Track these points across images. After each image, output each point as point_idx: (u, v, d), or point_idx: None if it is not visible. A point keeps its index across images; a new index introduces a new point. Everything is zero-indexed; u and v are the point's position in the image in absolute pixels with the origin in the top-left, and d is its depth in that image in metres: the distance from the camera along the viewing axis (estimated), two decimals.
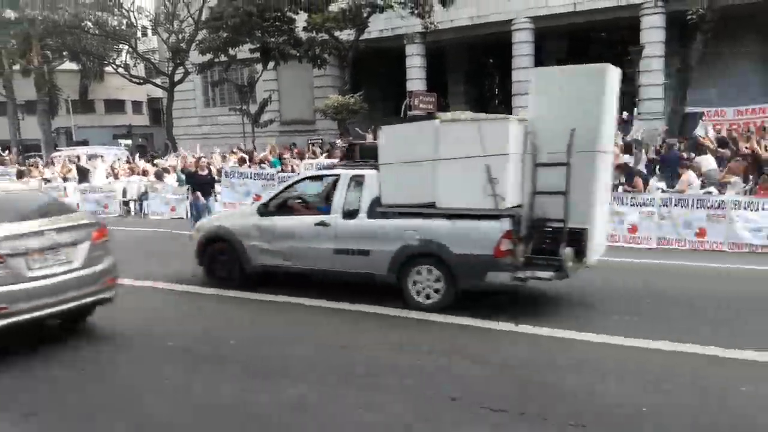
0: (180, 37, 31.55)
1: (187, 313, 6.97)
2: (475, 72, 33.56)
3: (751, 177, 11.30)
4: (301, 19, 25.10)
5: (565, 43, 29.98)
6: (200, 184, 12.85)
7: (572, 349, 5.42)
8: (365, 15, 23.55)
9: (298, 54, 25.66)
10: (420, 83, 28.16)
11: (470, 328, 6.01)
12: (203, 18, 28.47)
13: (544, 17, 25.28)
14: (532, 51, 26.36)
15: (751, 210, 9.77)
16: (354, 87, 26.15)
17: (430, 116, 8.66)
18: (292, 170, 15.02)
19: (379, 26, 26.02)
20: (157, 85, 35.45)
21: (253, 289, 7.62)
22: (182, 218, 15.73)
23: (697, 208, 10.09)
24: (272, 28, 25.07)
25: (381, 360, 5.21)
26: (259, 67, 27.77)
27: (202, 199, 12.54)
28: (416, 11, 23.11)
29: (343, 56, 25.33)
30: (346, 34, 24.80)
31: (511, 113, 25.94)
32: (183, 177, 16.79)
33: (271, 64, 26.97)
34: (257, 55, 26.14)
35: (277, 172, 15.03)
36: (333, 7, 24.22)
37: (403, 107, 25.32)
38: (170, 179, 17.29)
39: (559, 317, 6.27)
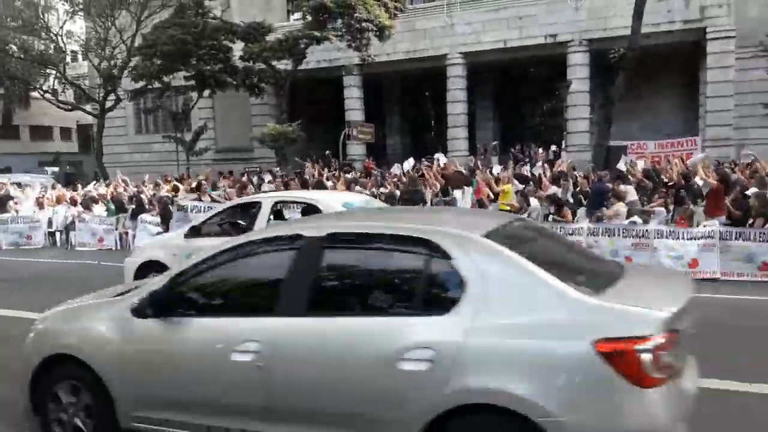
0: (112, 63, 30.81)
1: None
2: (411, 103, 34.28)
3: (672, 207, 11.95)
4: (238, 47, 25.03)
5: (499, 77, 31.14)
6: None
7: None
8: (302, 46, 23.72)
9: (234, 82, 25.52)
10: (358, 113, 28.48)
11: None
12: (136, 44, 27.94)
13: (476, 53, 26.18)
14: (465, 85, 27.21)
15: (673, 239, 10.31)
16: (292, 116, 26.16)
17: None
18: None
19: (317, 57, 26.25)
20: (87, 112, 34.35)
21: None
22: (111, 249, 15.21)
23: (624, 237, 10.56)
24: (208, 56, 24.87)
25: None
26: (194, 94, 27.41)
27: None
28: (353, 44, 23.47)
29: (281, 85, 25.36)
30: (284, 64, 24.88)
31: (446, 145, 26.64)
32: (113, 207, 16.26)
33: (206, 92, 26.68)
34: (192, 82, 25.83)
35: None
36: (270, 37, 24.30)
37: (342, 136, 25.54)
38: (98, 209, 16.69)
39: None
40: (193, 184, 17.13)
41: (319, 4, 21.98)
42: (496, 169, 17.21)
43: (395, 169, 20.24)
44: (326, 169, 18.04)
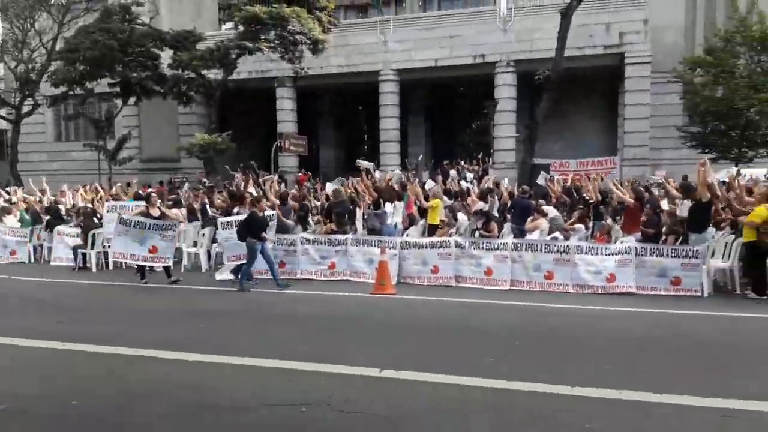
0: (30, 66, 29.30)
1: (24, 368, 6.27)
2: (345, 117, 34.37)
3: (591, 224, 12.46)
4: (166, 55, 24.40)
5: (431, 94, 31.75)
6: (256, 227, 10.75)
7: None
8: (234, 56, 23.39)
9: (162, 90, 24.83)
10: (291, 125, 28.30)
11: None
12: (57, 48, 26.74)
13: (408, 70, 26.60)
14: (398, 101, 27.58)
15: (592, 254, 10.72)
16: (222, 126, 25.69)
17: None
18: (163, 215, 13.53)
19: (249, 67, 25.95)
20: (1, 117, 32.47)
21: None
22: (24, 263, 14.37)
23: (546, 252, 10.88)
24: (134, 63, 24.12)
25: None
26: (118, 101, 26.45)
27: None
28: (286, 56, 23.34)
29: (211, 95, 24.87)
30: (214, 74, 24.43)
31: (379, 158, 26.84)
32: (28, 217, 15.37)
33: (132, 100, 25.82)
34: (117, 89, 24.93)
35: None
36: (200, 46, 23.83)
37: (274, 148, 25.25)
38: (11, 220, 15.71)
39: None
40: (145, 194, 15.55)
41: (251, 14, 21.78)
42: (429, 184, 17.43)
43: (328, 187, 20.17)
44: (255, 179, 17.66)
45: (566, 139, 26.95)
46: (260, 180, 16.25)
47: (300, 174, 27.17)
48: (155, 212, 11.69)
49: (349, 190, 14.02)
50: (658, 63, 23.78)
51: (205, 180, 22.52)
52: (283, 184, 20.45)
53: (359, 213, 12.92)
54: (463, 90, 32.64)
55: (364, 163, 16.61)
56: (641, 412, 4.94)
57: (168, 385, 5.70)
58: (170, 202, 14.77)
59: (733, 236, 10.43)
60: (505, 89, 25.28)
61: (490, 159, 24.98)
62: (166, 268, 11.37)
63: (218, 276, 11.53)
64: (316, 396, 5.16)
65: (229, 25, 25.87)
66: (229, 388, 5.43)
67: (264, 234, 10.62)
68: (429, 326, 7.98)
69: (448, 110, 33.58)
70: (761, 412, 4.86)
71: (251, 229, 10.53)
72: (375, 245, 11.17)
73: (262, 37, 22.90)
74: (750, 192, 12.09)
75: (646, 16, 23.66)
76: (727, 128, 20.04)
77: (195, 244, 13.28)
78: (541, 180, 15.65)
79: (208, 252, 12.96)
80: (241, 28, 23.10)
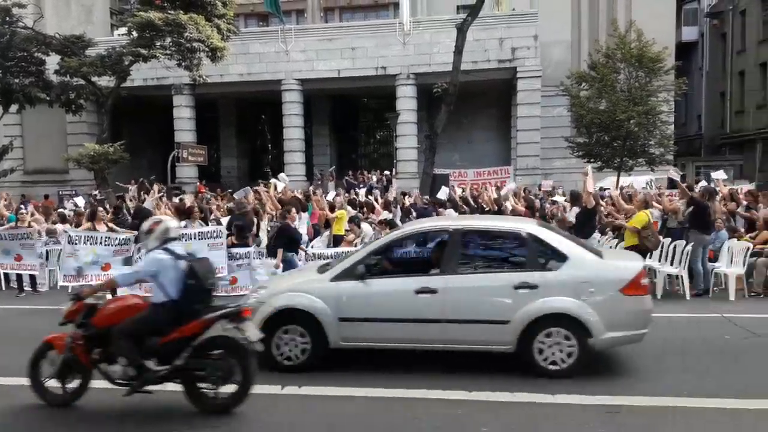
0: None
1: None
2: (248, 126, 33.78)
3: None
4: (53, 61, 22.94)
5: (335, 105, 31.89)
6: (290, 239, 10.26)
7: None
8: (127, 63, 22.37)
9: (48, 98, 23.27)
10: (190, 135, 27.44)
11: None
12: None
13: (311, 80, 26.59)
14: (301, 111, 27.49)
15: None
16: (115, 135, 24.47)
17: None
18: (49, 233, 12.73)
19: (144, 75, 24.90)
20: None
21: None
22: None
23: None
24: (16, 68, 22.51)
25: None
26: None
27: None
28: (183, 64, 22.60)
29: (102, 103, 23.62)
30: (106, 81, 23.24)
31: (283, 168, 26.56)
32: None
33: (14, 107, 24.03)
34: None
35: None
36: (91, 52, 22.62)
37: (171, 158, 24.35)
38: None
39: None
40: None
41: (145, 20, 20.89)
42: (331, 194, 17.48)
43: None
44: (147, 193, 16.87)
45: (464, 149, 27.95)
46: (152, 192, 15.58)
47: (198, 185, 26.40)
48: (102, 229, 11.04)
49: (253, 201, 13.76)
50: (547, 77, 25.18)
51: (96, 192, 21.35)
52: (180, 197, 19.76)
53: (263, 225, 12.74)
54: (366, 101, 33.02)
55: (281, 179, 16.44)
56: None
57: None
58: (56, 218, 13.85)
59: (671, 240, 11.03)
60: (406, 101, 25.85)
61: (394, 169, 25.41)
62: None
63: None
64: None
65: (122, 30, 24.60)
66: None
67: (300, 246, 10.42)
68: None
69: (353, 121, 33.85)
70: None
71: (285, 242, 10.04)
72: None
73: (158, 44, 22.01)
74: (630, 200, 13.08)
75: (536, 32, 24.98)
76: (610, 139, 21.46)
77: None
78: (442, 194, 16.09)
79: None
80: (135, 34, 22.09)
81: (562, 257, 6.27)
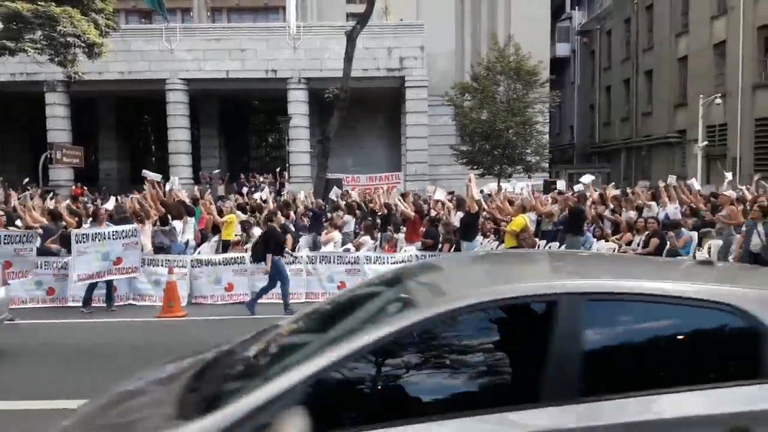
0: None
1: None
2: (130, 127, 32.19)
3: (379, 235, 13.31)
4: None
5: (225, 107, 31.16)
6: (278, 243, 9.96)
7: None
8: None
9: None
10: (65, 134, 25.73)
11: None
12: None
13: (198, 80, 25.84)
14: (187, 111, 26.63)
15: (379, 263, 11.50)
16: None
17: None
18: None
19: (11, 69, 23.07)
20: None
21: None
22: None
23: (338, 264, 11.44)
24: None
25: None
26: None
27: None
28: (56, 59, 21.16)
29: None
30: None
31: (168, 170, 25.57)
32: None
33: None
34: None
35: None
36: None
37: (43, 159, 22.70)
38: None
39: None
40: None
41: (12, 11, 19.36)
42: (263, 194, 17.14)
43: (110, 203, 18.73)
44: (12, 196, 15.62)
45: (358, 154, 28.33)
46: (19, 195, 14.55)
47: (74, 187, 24.80)
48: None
49: (133, 205, 13.16)
50: (433, 87, 26.12)
51: None
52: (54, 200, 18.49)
53: (147, 228, 12.24)
54: (257, 104, 32.55)
55: (150, 174, 15.64)
56: None
57: None
58: None
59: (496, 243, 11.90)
60: (298, 105, 25.79)
61: (287, 173, 25.26)
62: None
63: None
64: None
65: None
66: None
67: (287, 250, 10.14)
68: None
69: (243, 123, 33.23)
70: None
71: (274, 247, 9.76)
72: (162, 265, 10.70)
73: (27, 37, 20.46)
74: (511, 203, 13.92)
75: (423, 43, 25.83)
76: (491, 147, 22.70)
77: None
78: (333, 195, 16.31)
79: None
80: (1, 25, 20.40)
81: None
